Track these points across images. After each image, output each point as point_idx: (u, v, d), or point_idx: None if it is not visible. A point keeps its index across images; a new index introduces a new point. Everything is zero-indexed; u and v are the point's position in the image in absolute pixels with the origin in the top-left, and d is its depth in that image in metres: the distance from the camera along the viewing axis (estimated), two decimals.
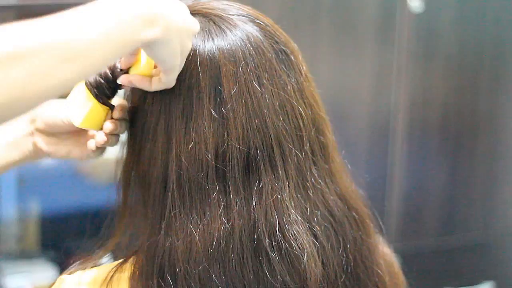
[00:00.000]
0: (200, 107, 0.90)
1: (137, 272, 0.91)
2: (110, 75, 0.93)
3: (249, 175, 0.90)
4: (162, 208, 0.91)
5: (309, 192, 0.93)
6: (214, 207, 0.89)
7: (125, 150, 0.98)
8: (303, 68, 0.96)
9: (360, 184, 1.05)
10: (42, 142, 1.02)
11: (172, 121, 0.91)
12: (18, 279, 2.26)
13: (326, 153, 0.97)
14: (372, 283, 0.99)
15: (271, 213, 0.90)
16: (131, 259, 0.94)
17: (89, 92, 0.94)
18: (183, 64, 0.89)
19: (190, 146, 0.90)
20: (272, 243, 0.90)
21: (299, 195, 0.93)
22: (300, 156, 0.93)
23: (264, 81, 0.91)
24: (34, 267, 2.30)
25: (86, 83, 0.94)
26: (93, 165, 2.36)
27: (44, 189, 2.39)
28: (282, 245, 0.90)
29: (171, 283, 0.89)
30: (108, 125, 0.95)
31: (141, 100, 0.94)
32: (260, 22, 0.95)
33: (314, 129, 0.95)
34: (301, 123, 0.93)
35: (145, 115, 0.93)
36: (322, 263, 0.93)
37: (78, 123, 0.95)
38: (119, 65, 0.93)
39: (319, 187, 0.94)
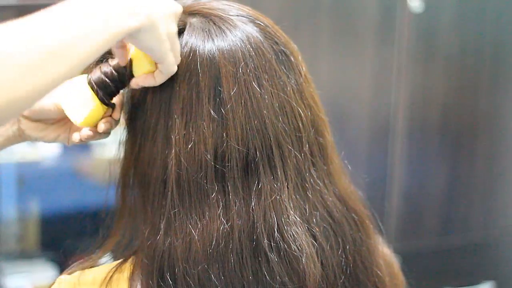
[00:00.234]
0: (200, 107, 0.90)
1: (137, 272, 0.91)
2: (115, 74, 0.93)
3: (248, 176, 0.90)
4: (162, 208, 0.91)
5: (308, 193, 0.93)
6: (213, 207, 0.89)
7: (124, 150, 0.98)
8: (302, 69, 0.96)
9: (360, 184, 1.05)
10: (29, 129, 1.00)
11: (172, 121, 0.91)
12: (18, 279, 2.26)
13: (325, 154, 0.97)
14: (372, 283, 0.99)
15: (270, 214, 0.90)
16: (130, 259, 0.94)
17: (93, 92, 0.94)
18: (178, 48, 0.90)
19: (189, 146, 0.90)
20: (271, 244, 0.90)
21: (298, 196, 0.93)
22: (299, 157, 0.93)
23: (264, 82, 0.91)
24: (34, 267, 2.30)
25: (89, 82, 0.94)
26: (93, 165, 2.36)
27: (44, 189, 2.39)
28: (281, 245, 0.90)
29: (171, 283, 0.89)
30: (107, 126, 0.95)
31: (140, 100, 0.94)
32: (260, 23, 0.95)
33: (313, 130, 0.95)
34: (300, 124, 0.93)
35: (145, 115, 0.93)
36: (321, 264, 0.93)
37: (79, 122, 0.95)
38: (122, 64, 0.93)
39: (318, 188, 0.94)
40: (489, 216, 2.66)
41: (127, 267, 0.93)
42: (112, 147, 1.00)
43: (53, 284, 0.95)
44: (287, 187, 0.91)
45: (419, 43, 2.42)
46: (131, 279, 0.91)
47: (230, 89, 0.90)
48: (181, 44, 0.92)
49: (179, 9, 0.90)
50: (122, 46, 0.91)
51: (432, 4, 2.39)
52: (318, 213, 0.94)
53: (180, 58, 0.91)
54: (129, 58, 0.93)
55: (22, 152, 2.29)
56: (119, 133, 0.99)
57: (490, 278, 2.66)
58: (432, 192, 2.57)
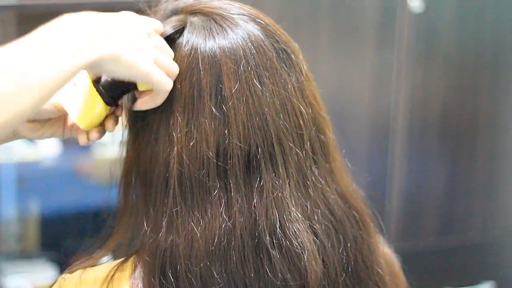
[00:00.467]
0: (201, 105, 0.90)
1: (138, 271, 0.91)
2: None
3: (250, 173, 0.90)
4: (164, 206, 0.91)
5: (309, 190, 0.93)
6: (215, 204, 0.90)
7: (126, 149, 0.98)
8: (303, 68, 0.97)
9: (361, 183, 1.05)
10: (25, 130, 1.00)
11: (174, 119, 0.91)
12: (18, 279, 2.26)
13: (326, 152, 0.97)
14: (373, 282, 0.99)
15: (272, 211, 0.90)
16: (132, 258, 0.94)
17: (99, 96, 0.93)
18: (168, 62, 0.90)
19: (191, 144, 0.90)
20: (273, 241, 0.90)
21: (299, 193, 0.93)
22: (301, 154, 0.93)
23: (265, 79, 0.92)
24: (34, 267, 2.30)
25: (95, 86, 0.93)
26: (93, 165, 2.36)
27: (44, 189, 2.39)
28: (282, 242, 0.90)
29: (172, 280, 0.89)
30: (114, 125, 0.96)
31: None
32: (261, 21, 0.95)
33: (314, 128, 0.95)
34: (301, 122, 0.93)
35: (147, 113, 0.93)
36: (323, 261, 0.93)
37: (83, 126, 0.94)
38: None
39: (320, 185, 0.95)
40: (489, 216, 2.66)
41: (129, 265, 0.93)
42: (112, 147, 1.00)
43: (54, 283, 0.95)
44: (289, 184, 0.92)
45: (419, 43, 2.42)
46: (133, 277, 0.91)
47: (232, 87, 0.90)
48: (182, 43, 0.92)
49: (155, 25, 0.90)
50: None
51: (432, 4, 2.39)
52: (319, 210, 0.94)
53: (177, 70, 0.91)
54: None
55: (22, 152, 2.29)
56: (119, 133, 0.99)
57: (490, 278, 2.67)
58: (432, 192, 2.57)
